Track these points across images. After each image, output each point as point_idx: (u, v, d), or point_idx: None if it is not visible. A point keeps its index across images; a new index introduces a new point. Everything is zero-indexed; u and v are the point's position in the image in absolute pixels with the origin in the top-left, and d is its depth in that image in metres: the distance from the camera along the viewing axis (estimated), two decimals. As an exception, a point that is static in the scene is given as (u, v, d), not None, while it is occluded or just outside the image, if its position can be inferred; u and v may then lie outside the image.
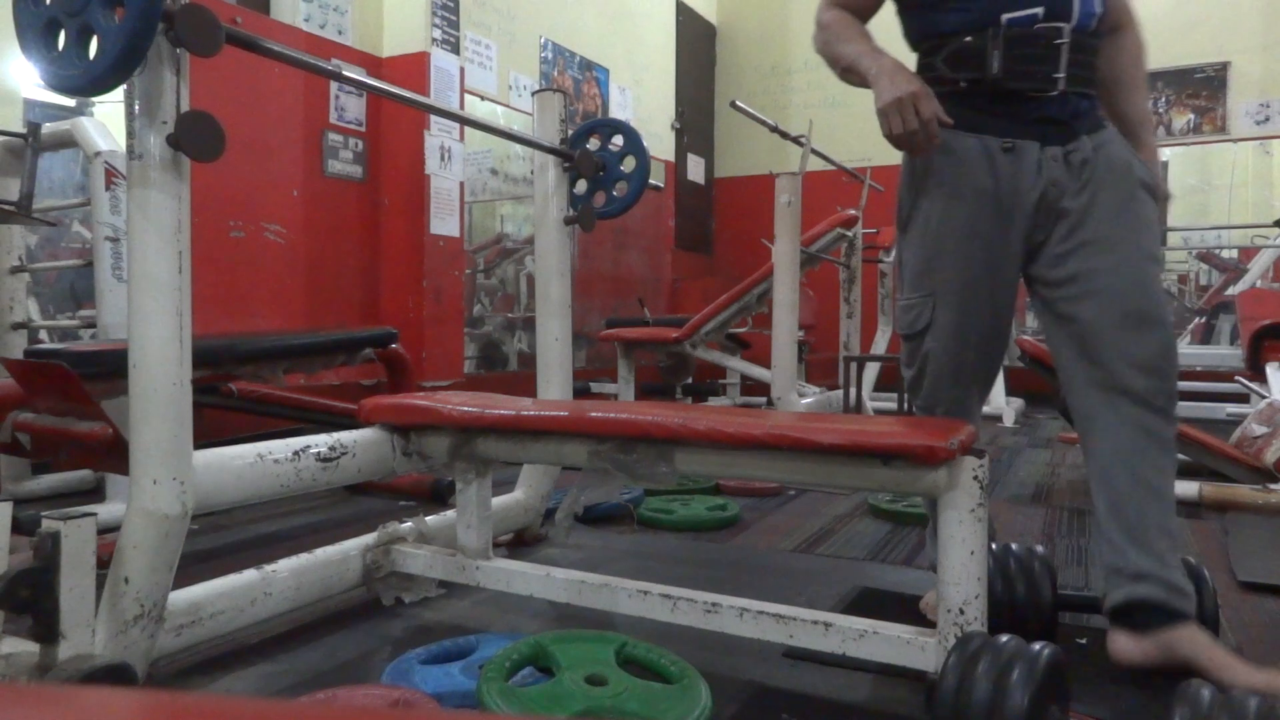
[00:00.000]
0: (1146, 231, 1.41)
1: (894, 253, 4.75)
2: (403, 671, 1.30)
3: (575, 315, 2.21)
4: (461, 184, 4.32)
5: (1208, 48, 5.77)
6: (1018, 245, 1.44)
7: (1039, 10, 1.36)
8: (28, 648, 1.16)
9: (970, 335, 1.48)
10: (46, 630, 1.13)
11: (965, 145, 1.41)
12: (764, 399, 3.75)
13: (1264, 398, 3.47)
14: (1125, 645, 1.35)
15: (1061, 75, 1.37)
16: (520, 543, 2.14)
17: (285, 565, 1.54)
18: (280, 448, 1.47)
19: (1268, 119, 5.72)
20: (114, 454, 1.59)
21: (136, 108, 1.17)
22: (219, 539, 2.23)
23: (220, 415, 2.71)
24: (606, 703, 1.15)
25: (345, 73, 1.61)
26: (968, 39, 1.39)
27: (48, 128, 2.40)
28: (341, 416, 2.69)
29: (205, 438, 1.35)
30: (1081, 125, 1.42)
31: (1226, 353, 5.23)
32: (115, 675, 1.14)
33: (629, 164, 2.17)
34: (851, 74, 1.45)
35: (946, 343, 1.48)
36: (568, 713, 1.13)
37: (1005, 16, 1.36)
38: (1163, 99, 5.91)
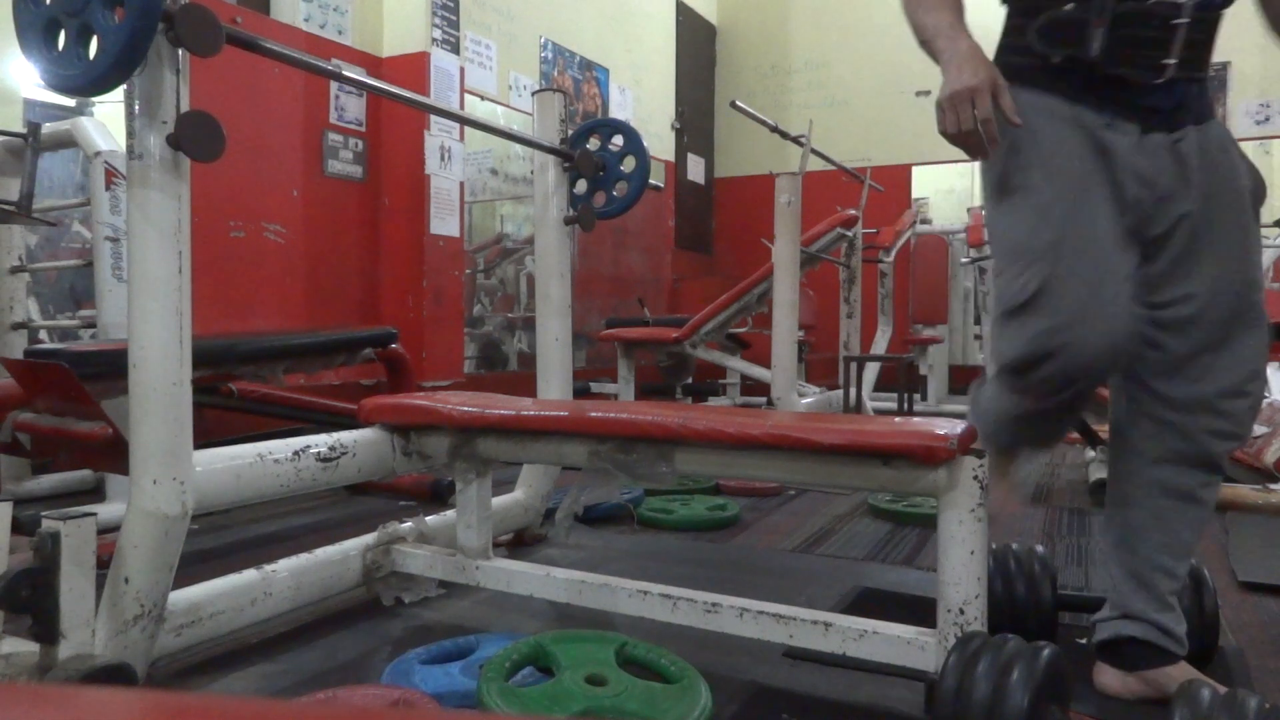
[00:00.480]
0: (1254, 258, 1.27)
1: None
2: (403, 671, 1.30)
3: (575, 315, 2.21)
4: (461, 184, 4.32)
5: (1208, 48, 5.77)
6: (1129, 221, 1.23)
7: None
8: (28, 648, 1.16)
9: (1096, 295, 1.19)
10: (46, 630, 1.13)
11: (1060, 108, 1.23)
12: (764, 399, 3.75)
13: (1264, 398, 3.47)
14: (1111, 680, 1.31)
15: (1172, 62, 1.19)
16: (520, 543, 2.14)
17: (285, 565, 1.54)
18: (280, 448, 1.47)
19: (1268, 119, 5.72)
20: (114, 454, 1.59)
21: (136, 108, 1.17)
22: (219, 539, 2.23)
23: (220, 415, 2.71)
24: (606, 703, 1.15)
25: (345, 73, 1.61)
26: (1068, 6, 1.21)
27: (48, 128, 2.40)
28: (341, 416, 2.69)
29: (205, 438, 1.35)
30: (1187, 115, 1.25)
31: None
32: (115, 675, 1.14)
33: (629, 164, 2.17)
34: (927, 48, 1.27)
35: (1068, 311, 1.17)
36: (568, 713, 1.13)
37: None
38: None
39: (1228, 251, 1.24)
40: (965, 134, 1.17)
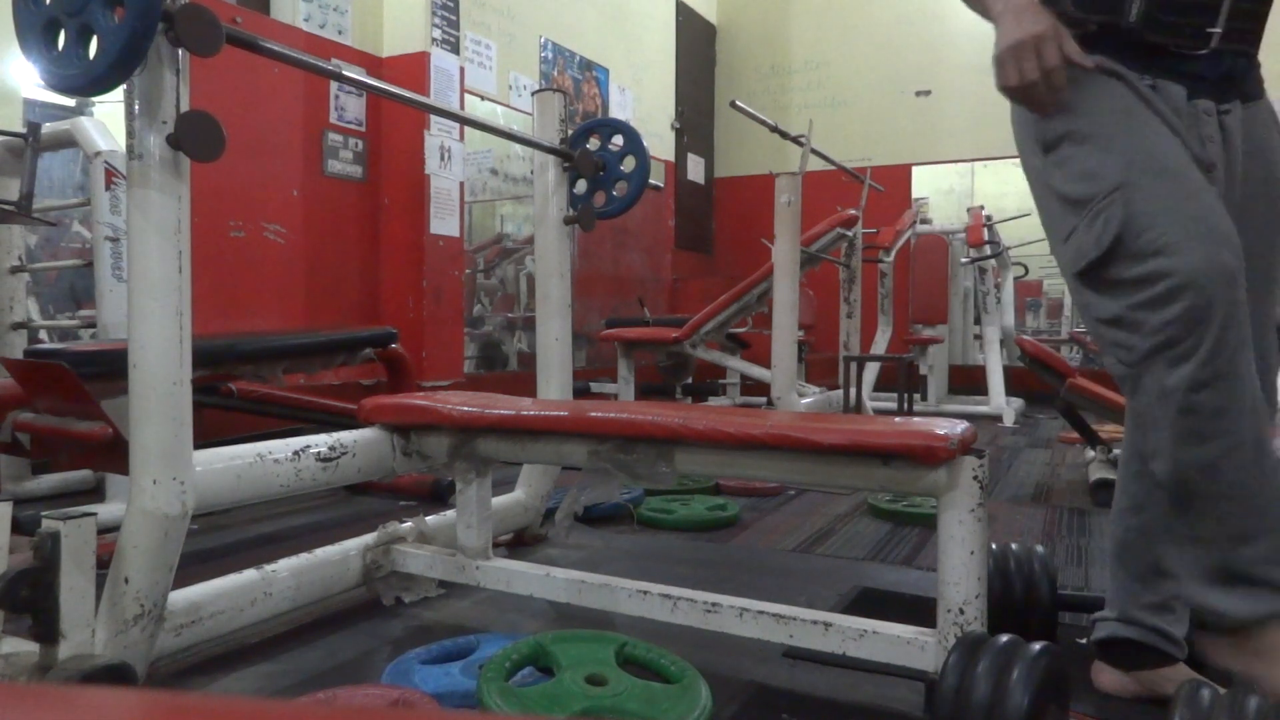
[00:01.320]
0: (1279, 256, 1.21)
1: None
2: (403, 671, 1.30)
3: (575, 315, 2.21)
4: (461, 184, 4.32)
5: (1208, 48, 5.76)
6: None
7: None
8: (28, 648, 1.16)
9: (1183, 207, 1.08)
10: (46, 630, 1.13)
11: (1103, 63, 1.14)
12: (764, 399, 3.75)
13: None
14: (1109, 680, 1.31)
15: (1218, 31, 1.12)
16: (520, 543, 2.14)
17: (285, 565, 1.54)
18: (280, 448, 1.47)
19: (1268, 119, 5.71)
20: (114, 454, 1.59)
21: (136, 108, 1.17)
22: (219, 539, 2.23)
23: (220, 415, 2.71)
24: (606, 703, 1.15)
25: (345, 73, 1.60)
26: None
27: (48, 128, 2.40)
28: (341, 416, 2.69)
29: (205, 438, 1.35)
30: (1234, 90, 1.18)
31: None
32: (115, 675, 1.14)
33: (629, 164, 2.17)
34: (975, 5, 1.20)
35: (1160, 228, 1.06)
36: (568, 713, 1.13)
37: None
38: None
39: (1255, 247, 1.17)
40: (1028, 86, 1.11)
